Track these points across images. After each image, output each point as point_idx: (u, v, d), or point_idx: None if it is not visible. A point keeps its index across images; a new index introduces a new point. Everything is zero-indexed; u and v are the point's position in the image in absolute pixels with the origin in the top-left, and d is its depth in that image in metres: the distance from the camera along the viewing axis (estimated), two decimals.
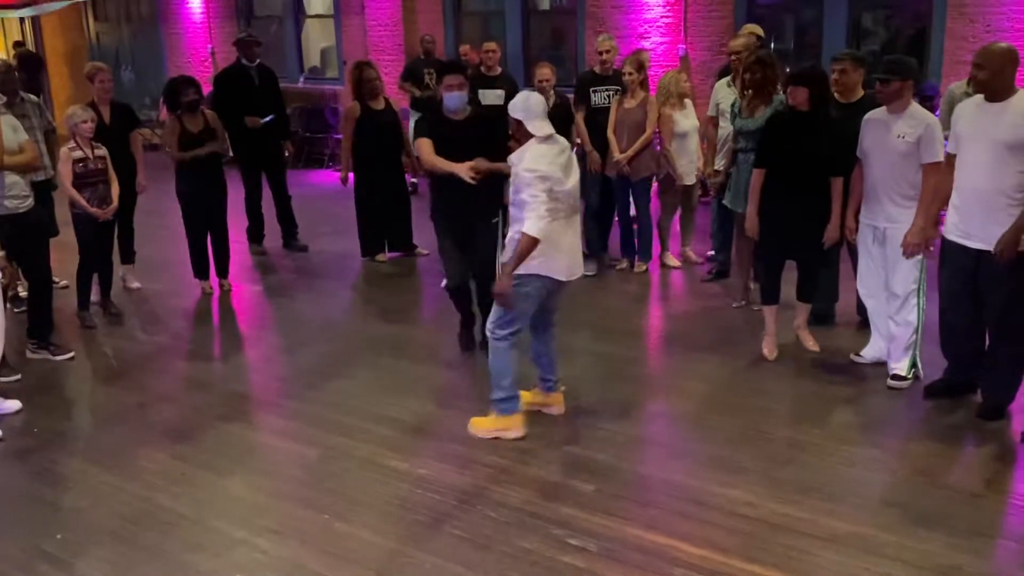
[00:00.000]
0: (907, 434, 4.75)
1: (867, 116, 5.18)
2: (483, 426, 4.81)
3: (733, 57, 6.85)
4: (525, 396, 4.94)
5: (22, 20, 17.02)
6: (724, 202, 6.61)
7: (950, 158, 4.75)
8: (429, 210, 5.83)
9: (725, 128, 6.77)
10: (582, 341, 6.29)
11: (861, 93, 5.58)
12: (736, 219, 6.49)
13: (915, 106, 5.04)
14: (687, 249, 7.86)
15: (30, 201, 5.84)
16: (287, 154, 9.13)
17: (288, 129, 9.31)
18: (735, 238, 6.70)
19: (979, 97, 4.66)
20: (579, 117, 7.51)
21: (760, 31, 7.31)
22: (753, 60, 6.16)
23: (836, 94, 5.56)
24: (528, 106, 4.54)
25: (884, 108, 5.06)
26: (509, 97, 7.86)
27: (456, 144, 5.40)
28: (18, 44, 16.51)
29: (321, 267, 8.25)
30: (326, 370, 5.78)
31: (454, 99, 5.54)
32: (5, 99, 6.68)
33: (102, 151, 6.48)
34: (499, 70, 8.40)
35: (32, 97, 7.14)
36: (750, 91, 6.14)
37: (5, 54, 16.58)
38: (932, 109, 5.70)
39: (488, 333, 4.73)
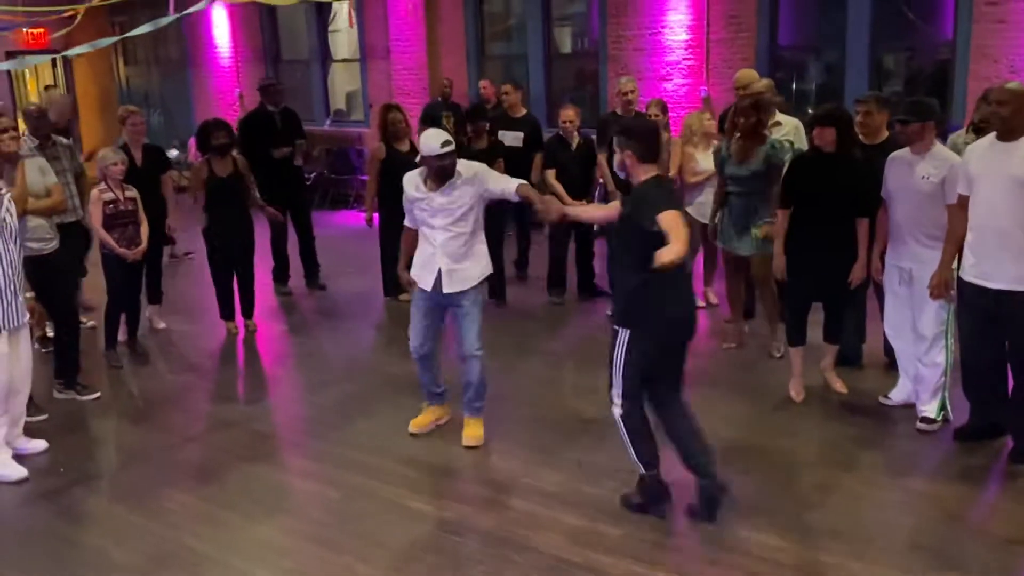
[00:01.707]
0: (936, 477, 4.68)
1: (891, 156, 5.17)
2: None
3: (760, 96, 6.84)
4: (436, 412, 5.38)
5: (54, 63, 17.35)
6: (716, 243, 6.62)
7: (962, 199, 4.74)
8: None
9: None
10: (604, 380, 6.25)
11: (886, 134, 5.57)
12: (726, 259, 6.50)
13: (939, 147, 5.03)
14: (708, 290, 7.84)
15: (55, 243, 5.90)
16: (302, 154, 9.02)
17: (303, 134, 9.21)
18: (726, 279, 6.69)
19: (990, 137, 4.65)
20: (602, 157, 7.56)
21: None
22: (748, 104, 6.10)
23: (860, 135, 5.56)
24: (430, 142, 4.89)
25: (908, 148, 5.06)
26: (529, 139, 8.00)
27: None
28: (49, 88, 16.82)
29: (345, 307, 8.29)
30: (350, 410, 5.79)
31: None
32: (37, 142, 6.83)
33: (132, 193, 6.56)
34: (523, 111, 8.48)
35: (63, 140, 7.26)
36: (741, 135, 6.10)
37: (36, 97, 16.90)
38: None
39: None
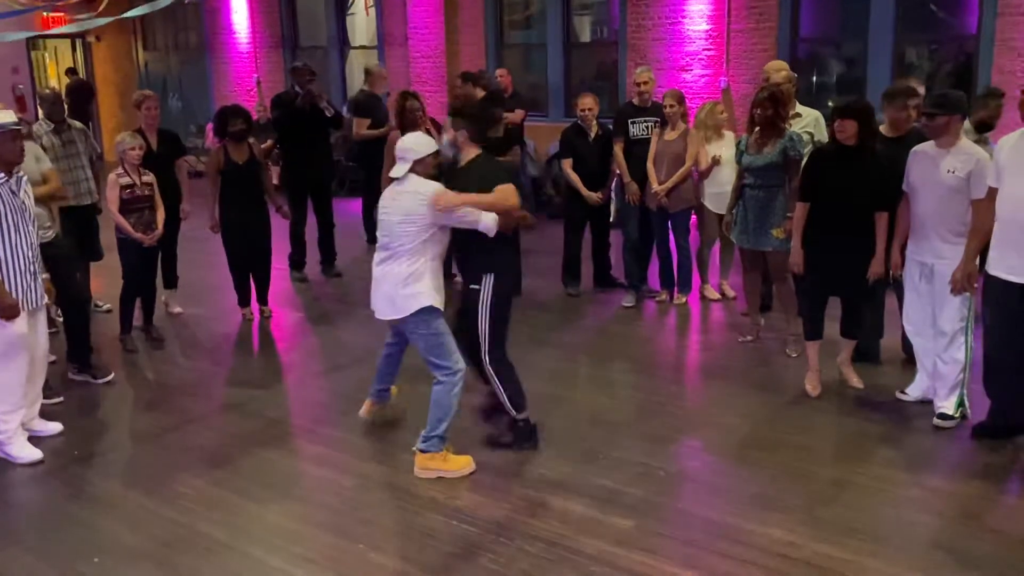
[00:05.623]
0: (954, 474, 4.64)
1: (915, 149, 5.11)
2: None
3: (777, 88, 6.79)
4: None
5: (74, 48, 17.41)
6: (731, 238, 6.58)
7: (992, 192, 4.68)
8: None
9: None
10: (619, 373, 6.25)
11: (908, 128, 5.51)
12: (742, 253, 6.46)
13: (965, 141, 4.97)
14: (724, 283, 7.79)
15: (52, 232, 5.86)
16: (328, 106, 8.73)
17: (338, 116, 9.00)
18: (742, 272, 6.65)
19: (1022, 130, 4.59)
20: (618, 148, 7.51)
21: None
22: (765, 96, 6.07)
23: (883, 129, 5.50)
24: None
25: (932, 142, 4.99)
26: None
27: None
28: (70, 72, 16.91)
29: (360, 294, 8.24)
30: (364, 397, 5.76)
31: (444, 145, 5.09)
32: (53, 126, 6.85)
33: (149, 177, 6.57)
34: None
35: (78, 124, 7.28)
36: (759, 127, 6.09)
37: (57, 82, 16.99)
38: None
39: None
